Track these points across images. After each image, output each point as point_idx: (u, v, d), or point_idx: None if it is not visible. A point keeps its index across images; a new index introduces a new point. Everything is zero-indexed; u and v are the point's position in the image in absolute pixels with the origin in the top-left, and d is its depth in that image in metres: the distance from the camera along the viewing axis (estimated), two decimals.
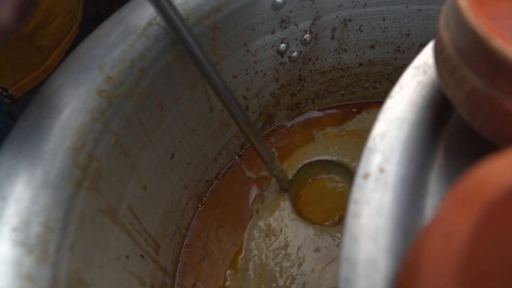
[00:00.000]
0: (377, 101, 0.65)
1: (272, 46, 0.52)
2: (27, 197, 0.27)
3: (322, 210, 0.56)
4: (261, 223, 0.55)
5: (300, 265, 0.51)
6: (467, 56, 0.22)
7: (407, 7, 0.53)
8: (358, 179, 0.23)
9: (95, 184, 0.33)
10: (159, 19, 0.39)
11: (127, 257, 0.37)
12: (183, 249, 0.53)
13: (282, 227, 0.54)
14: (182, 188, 0.50)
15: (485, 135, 0.23)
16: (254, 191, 0.58)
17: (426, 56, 0.30)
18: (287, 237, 0.53)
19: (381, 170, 0.23)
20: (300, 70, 0.58)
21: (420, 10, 0.54)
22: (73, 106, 0.32)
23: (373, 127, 0.26)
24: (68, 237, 0.29)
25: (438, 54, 0.25)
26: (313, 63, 0.58)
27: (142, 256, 0.41)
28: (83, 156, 0.32)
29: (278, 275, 0.50)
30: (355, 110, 0.65)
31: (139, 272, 0.40)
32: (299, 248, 0.52)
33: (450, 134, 0.26)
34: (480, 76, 0.21)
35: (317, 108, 0.66)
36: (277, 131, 0.65)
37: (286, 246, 0.53)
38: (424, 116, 0.26)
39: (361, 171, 0.24)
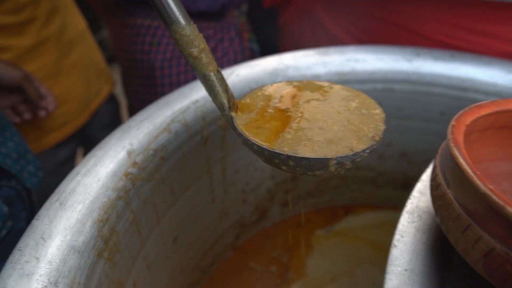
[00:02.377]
0: (362, 204, 0.71)
1: None
2: (59, 260, 0.31)
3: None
4: None
5: None
6: (479, 219, 0.23)
7: (388, 121, 0.62)
8: None
9: (112, 256, 0.36)
10: (181, 117, 0.46)
11: None
12: None
13: None
14: (179, 272, 0.53)
15: None
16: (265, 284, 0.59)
17: (416, 200, 0.34)
18: None
19: None
20: None
21: (399, 125, 0.63)
22: (102, 184, 0.37)
23: (384, 282, 0.27)
24: None
25: (444, 210, 0.26)
26: None
27: None
28: (106, 229, 0.36)
29: None
30: (342, 212, 0.71)
31: None
32: None
33: (456, 278, 0.28)
34: (498, 239, 0.22)
35: (307, 208, 0.71)
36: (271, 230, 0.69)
37: None
38: (431, 265, 0.28)
39: None
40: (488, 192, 0.23)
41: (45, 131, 0.77)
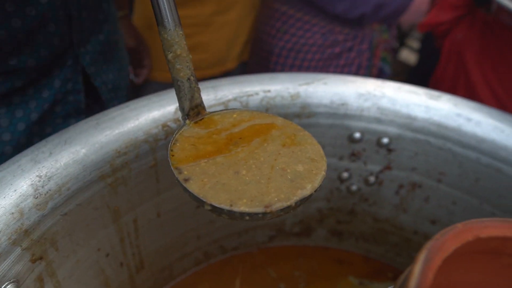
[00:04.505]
0: None
1: (335, 169, 0.56)
2: (63, 163, 0.36)
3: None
4: None
5: None
6: None
7: (480, 204, 0.52)
8: None
9: (115, 185, 0.40)
10: (244, 99, 0.47)
11: (107, 255, 0.43)
12: None
13: None
14: (194, 237, 0.55)
15: None
16: None
17: None
18: None
19: None
20: (353, 204, 0.59)
21: (493, 213, 0.51)
22: (138, 123, 0.41)
23: None
24: (67, 206, 0.36)
25: None
26: (369, 205, 0.59)
27: (121, 264, 0.46)
28: (120, 161, 0.40)
29: None
30: (390, 275, 0.62)
31: (110, 274, 0.45)
32: None
33: None
34: None
35: (357, 250, 0.65)
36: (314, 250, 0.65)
37: None
38: None
39: None
40: None
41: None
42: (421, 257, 0.21)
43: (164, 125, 0.43)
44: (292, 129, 0.34)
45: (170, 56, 0.33)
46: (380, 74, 0.84)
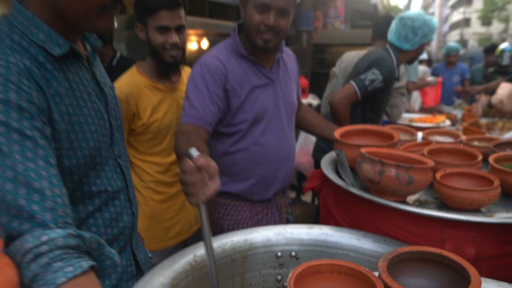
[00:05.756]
0: None
1: (273, 275, 1.05)
2: (155, 285, 0.82)
3: None
4: None
5: None
6: None
7: None
8: None
9: None
10: (222, 246, 0.98)
11: None
12: None
13: None
14: None
15: None
16: None
17: None
18: None
19: None
20: None
21: None
22: (180, 264, 0.89)
23: None
24: None
25: None
26: None
27: None
28: (176, 281, 0.86)
29: None
30: None
31: None
32: None
33: None
34: None
35: None
36: None
37: None
38: None
39: None
40: None
41: (168, 237, 1.38)
42: (291, 271, 0.71)
43: (190, 263, 0.91)
44: None
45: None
46: (287, 221, 1.41)
